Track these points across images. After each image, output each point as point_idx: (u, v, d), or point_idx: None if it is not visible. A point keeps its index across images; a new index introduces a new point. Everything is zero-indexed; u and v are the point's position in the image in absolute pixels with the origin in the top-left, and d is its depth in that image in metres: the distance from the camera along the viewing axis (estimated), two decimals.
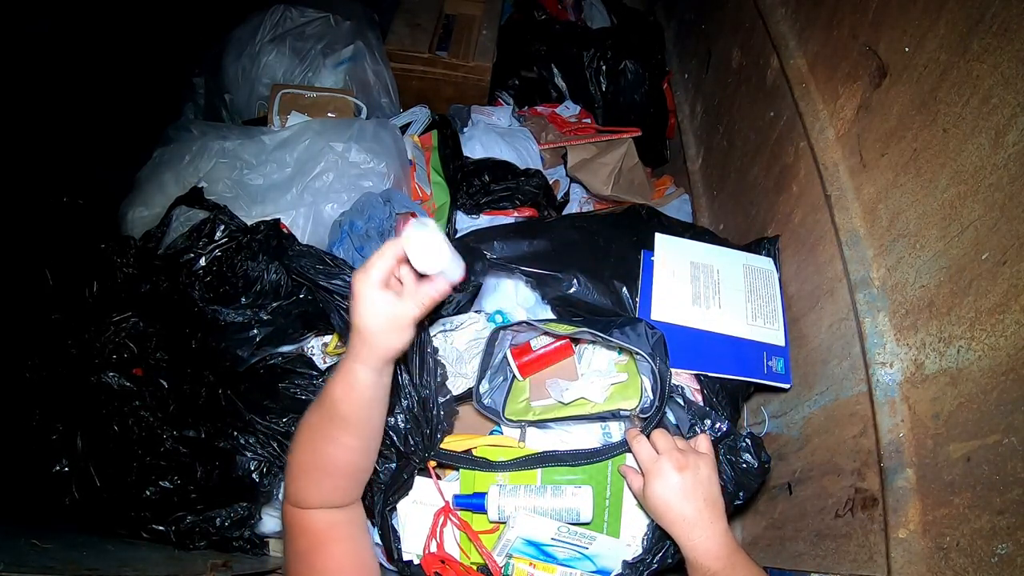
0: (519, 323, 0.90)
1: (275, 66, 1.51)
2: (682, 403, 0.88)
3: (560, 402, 0.88)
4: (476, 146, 1.57)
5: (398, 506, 0.86)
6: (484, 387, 0.90)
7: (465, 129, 1.65)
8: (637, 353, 0.83)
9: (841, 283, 0.87)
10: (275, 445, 0.99)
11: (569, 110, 1.85)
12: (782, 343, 0.99)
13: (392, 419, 0.81)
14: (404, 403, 0.81)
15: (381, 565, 0.86)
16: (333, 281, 0.90)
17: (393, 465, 0.85)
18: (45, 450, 1.01)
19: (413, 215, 1.21)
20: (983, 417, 0.61)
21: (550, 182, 1.56)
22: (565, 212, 1.58)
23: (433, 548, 0.83)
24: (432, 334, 0.90)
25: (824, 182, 0.92)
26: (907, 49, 0.78)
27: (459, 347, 0.96)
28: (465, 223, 1.40)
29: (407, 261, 0.60)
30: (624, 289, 0.98)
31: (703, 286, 1.01)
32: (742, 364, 0.95)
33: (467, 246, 0.96)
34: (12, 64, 1.26)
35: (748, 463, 0.83)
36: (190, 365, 1.05)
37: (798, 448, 0.96)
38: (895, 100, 0.80)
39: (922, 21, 0.75)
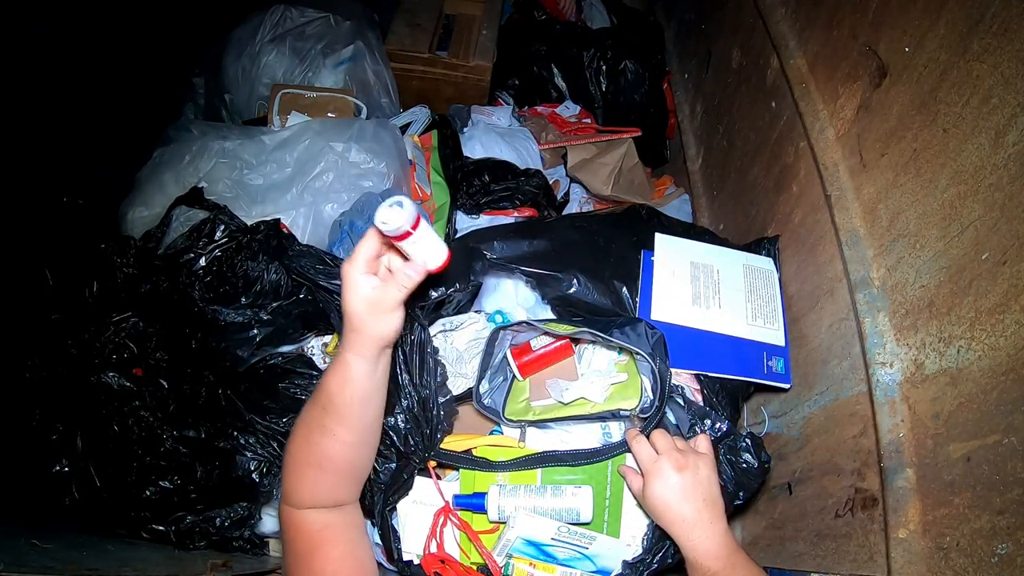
0: (519, 323, 0.90)
1: (275, 66, 1.51)
2: (682, 403, 0.88)
3: (560, 402, 0.88)
4: (476, 146, 1.57)
5: (398, 506, 0.86)
6: (484, 387, 0.90)
7: (465, 129, 1.65)
8: (637, 353, 0.83)
9: (841, 283, 0.87)
10: (275, 445, 0.99)
11: (569, 110, 1.85)
12: (782, 343, 0.99)
13: (392, 419, 0.81)
14: (404, 403, 0.81)
15: (381, 565, 0.86)
16: (333, 281, 0.90)
17: (393, 465, 0.85)
18: (45, 450, 1.01)
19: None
20: (983, 417, 0.61)
21: (550, 182, 1.56)
22: (565, 212, 1.58)
23: (433, 548, 0.83)
24: (432, 334, 0.90)
25: (824, 182, 0.92)
26: (907, 49, 0.78)
27: (459, 347, 0.96)
28: (465, 223, 1.40)
29: (392, 248, 0.61)
30: (624, 289, 0.98)
31: (703, 286, 1.01)
32: (742, 364, 0.95)
33: (467, 246, 0.96)
34: (12, 64, 1.26)
35: (748, 463, 0.83)
36: (190, 365, 1.05)
37: (798, 448, 0.96)
38: (895, 100, 0.80)
39: (922, 21, 0.75)
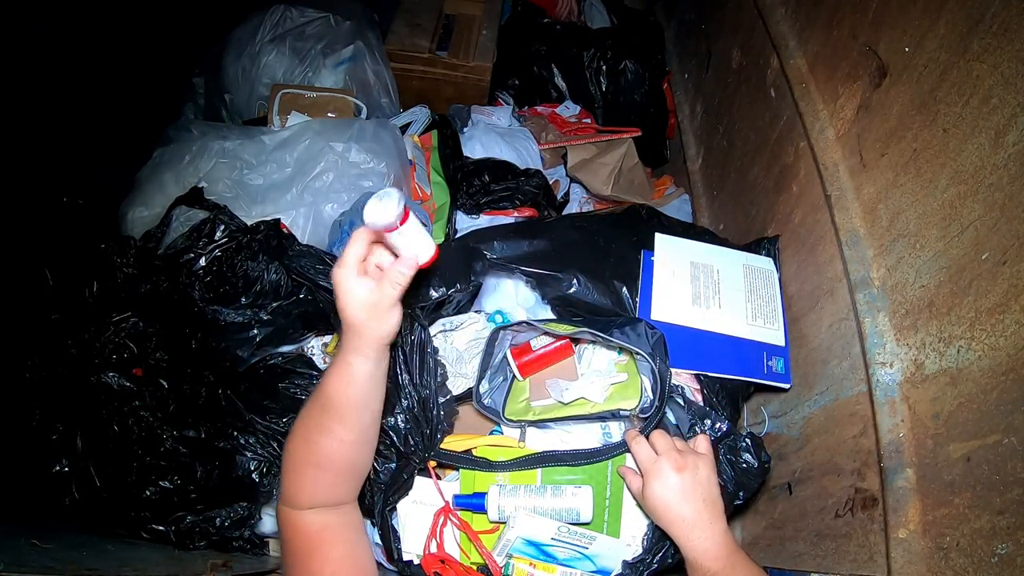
0: (519, 323, 0.90)
1: (275, 66, 1.51)
2: (682, 403, 0.88)
3: (560, 402, 0.88)
4: (476, 146, 1.57)
5: (398, 506, 0.86)
6: (484, 387, 0.90)
7: (465, 129, 1.65)
8: (637, 353, 0.83)
9: (841, 283, 0.87)
10: (275, 445, 0.99)
11: (569, 110, 1.85)
12: (782, 343, 0.99)
13: (392, 419, 0.81)
14: (404, 403, 0.81)
15: (381, 565, 0.86)
16: None
17: (393, 465, 0.85)
18: (45, 450, 1.01)
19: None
20: (983, 417, 0.61)
21: (550, 182, 1.56)
22: (565, 212, 1.58)
23: (433, 548, 0.83)
24: (432, 334, 0.90)
25: (824, 182, 0.92)
26: (907, 49, 0.78)
27: (459, 347, 0.96)
28: (465, 223, 1.40)
29: (381, 244, 0.61)
30: (624, 289, 0.98)
31: (703, 286, 1.01)
32: (742, 364, 0.95)
33: (467, 246, 0.96)
34: (12, 64, 1.26)
35: (748, 463, 0.83)
36: (190, 365, 1.05)
37: (798, 448, 0.96)
38: (895, 100, 0.80)
39: (922, 21, 0.75)
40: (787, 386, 0.97)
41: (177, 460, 1.00)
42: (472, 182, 1.41)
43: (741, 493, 0.82)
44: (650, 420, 0.81)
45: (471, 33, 1.83)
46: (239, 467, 0.98)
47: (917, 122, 0.75)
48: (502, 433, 0.91)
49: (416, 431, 0.82)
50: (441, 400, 0.83)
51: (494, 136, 1.60)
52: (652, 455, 0.74)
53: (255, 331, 1.01)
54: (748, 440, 0.84)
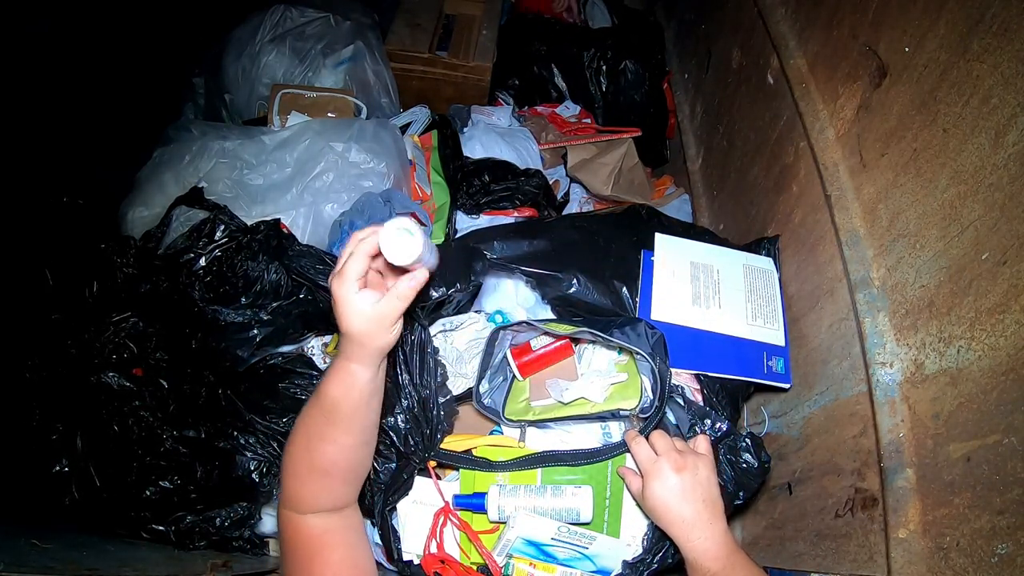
0: (519, 323, 0.90)
1: (275, 66, 1.51)
2: (682, 403, 0.88)
3: (560, 402, 0.88)
4: (476, 146, 1.57)
5: (398, 506, 0.86)
6: (484, 387, 0.90)
7: (465, 129, 1.65)
8: (637, 353, 0.83)
9: (841, 283, 0.87)
10: (275, 445, 0.99)
11: (569, 110, 1.85)
12: (782, 343, 0.99)
13: (392, 419, 0.81)
14: (404, 403, 0.81)
15: (381, 565, 0.86)
16: None
17: (393, 465, 0.85)
18: (45, 450, 1.01)
19: (413, 215, 1.21)
20: (983, 417, 0.61)
21: (550, 182, 1.56)
22: (565, 212, 1.58)
23: (433, 548, 0.83)
24: (432, 334, 0.90)
25: (824, 182, 0.92)
26: (907, 49, 0.78)
27: (459, 347, 0.96)
28: (465, 223, 1.40)
29: (380, 254, 0.59)
30: (624, 289, 0.98)
31: (703, 286, 1.01)
32: (742, 364, 0.95)
33: (467, 246, 0.96)
34: (12, 64, 1.26)
35: (748, 463, 0.83)
36: (190, 365, 1.05)
37: (798, 448, 0.96)
38: (895, 100, 0.80)
39: (922, 21, 0.75)
40: (787, 386, 0.97)
41: (177, 460, 1.00)
42: (472, 182, 1.41)
43: (741, 493, 0.82)
44: (650, 420, 0.81)
45: (471, 33, 1.83)
46: (239, 467, 0.98)
47: (917, 122, 0.75)
48: (502, 433, 0.91)
49: (416, 431, 0.82)
50: (441, 400, 0.83)
51: (494, 136, 1.60)
52: (652, 455, 0.74)
53: (255, 331, 1.01)
54: (748, 440, 0.84)
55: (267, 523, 1.03)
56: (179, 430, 1.00)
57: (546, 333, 0.92)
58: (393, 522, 0.84)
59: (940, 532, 0.64)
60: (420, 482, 0.87)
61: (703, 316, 0.98)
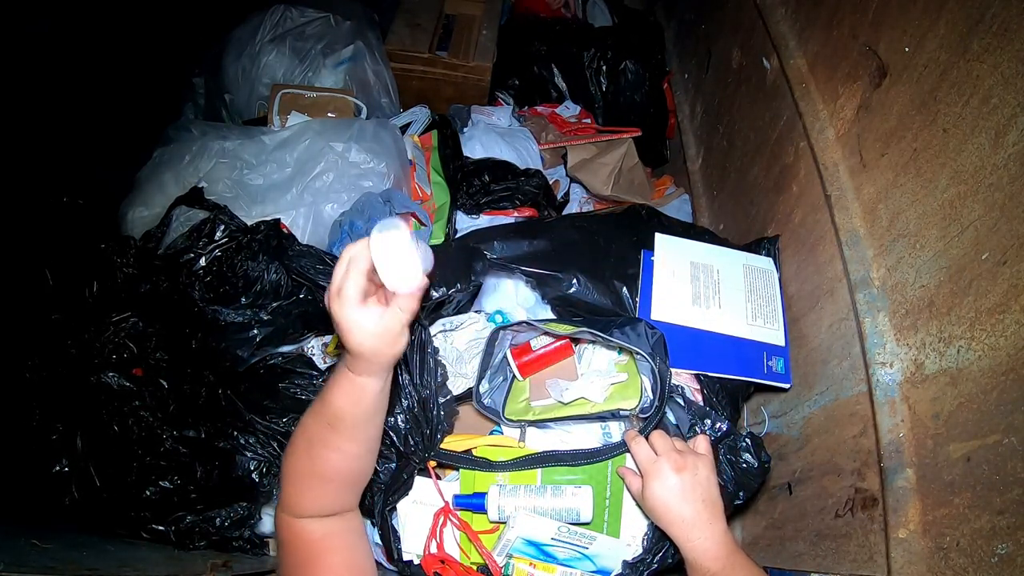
0: (519, 323, 0.90)
1: (275, 66, 1.51)
2: (682, 403, 0.88)
3: (560, 402, 0.88)
4: (476, 146, 1.57)
5: (398, 506, 0.86)
6: (484, 387, 0.90)
7: (465, 129, 1.65)
8: (637, 353, 0.83)
9: (841, 283, 0.87)
10: (275, 445, 0.99)
11: (569, 110, 1.85)
12: (782, 343, 0.99)
13: (392, 419, 0.81)
14: (404, 403, 0.81)
15: (381, 565, 0.86)
16: None
17: (393, 465, 0.85)
18: (45, 450, 1.01)
19: (414, 215, 1.21)
20: (983, 417, 0.61)
21: (550, 182, 1.56)
22: (565, 212, 1.58)
23: (433, 548, 0.83)
24: (432, 334, 0.90)
25: (824, 182, 0.92)
26: (907, 49, 0.78)
27: (459, 347, 0.96)
28: (465, 223, 1.40)
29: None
30: (624, 289, 0.98)
31: (703, 286, 1.01)
32: (742, 364, 0.95)
33: (467, 246, 0.96)
34: (12, 64, 1.26)
35: (748, 463, 0.83)
36: (190, 365, 1.05)
37: (798, 448, 0.96)
38: (895, 100, 0.80)
39: (922, 21, 0.75)
40: (787, 386, 0.97)
41: (177, 460, 1.00)
42: (472, 182, 1.41)
43: (741, 493, 0.82)
44: (650, 420, 0.81)
45: (471, 33, 1.83)
46: (239, 467, 0.98)
47: (917, 122, 0.75)
48: (502, 433, 0.91)
49: (416, 431, 0.82)
50: (441, 400, 0.83)
51: (494, 136, 1.60)
52: (651, 455, 0.74)
53: (255, 331, 1.01)
54: (748, 440, 0.84)
55: (267, 523, 1.04)
56: (179, 430, 1.00)
57: (546, 333, 0.92)
58: (393, 522, 0.84)
59: (940, 532, 0.64)
60: (420, 482, 0.87)
61: (703, 316, 0.98)
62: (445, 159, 1.46)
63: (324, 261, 0.97)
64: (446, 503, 0.86)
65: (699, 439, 0.78)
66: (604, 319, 0.91)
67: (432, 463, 0.87)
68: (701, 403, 0.92)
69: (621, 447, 0.82)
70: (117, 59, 1.48)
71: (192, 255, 1.02)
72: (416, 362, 0.82)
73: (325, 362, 1.07)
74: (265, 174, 1.21)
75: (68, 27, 1.37)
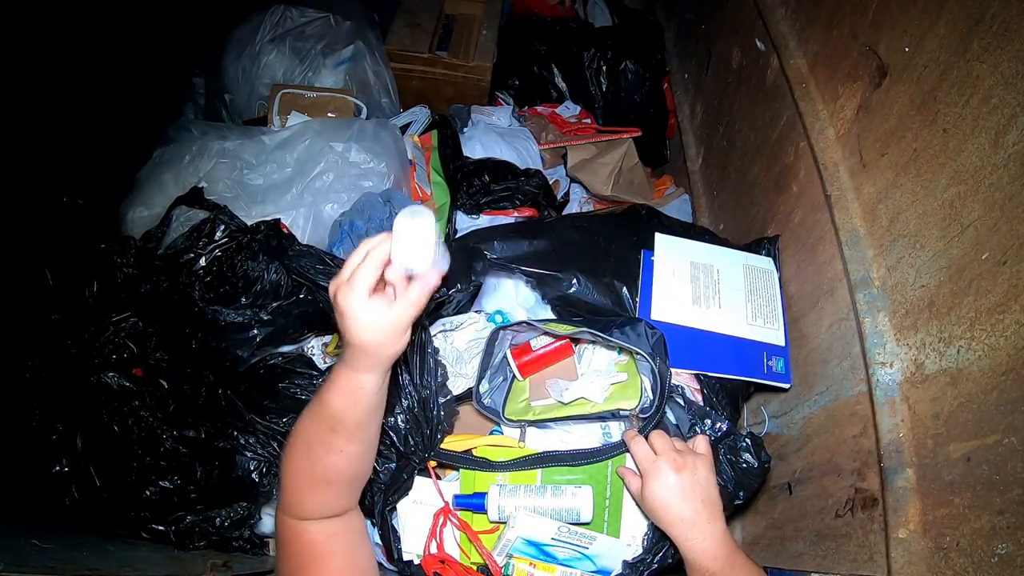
0: (519, 323, 0.90)
1: (275, 66, 1.51)
2: (682, 403, 0.88)
3: (560, 402, 0.88)
4: (476, 146, 1.57)
5: (398, 506, 0.86)
6: (484, 387, 0.90)
7: (465, 129, 1.65)
8: (637, 353, 0.83)
9: (841, 283, 0.87)
10: (275, 445, 0.99)
11: (569, 110, 1.85)
12: (782, 343, 0.99)
13: (392, 419, 0.81)
14: (404, 403, 0.81)
15: (381, 565, 0.86)
16: None
17: (393, 465, 0.85)
18: (45, 450, 1.01)
19: None
20: (983, 417, 0.61)
21: (550, 182, 1.56)
22: (565, 212, 1.58)
23: (433, 548, 0.83)
24: (432, 334, 0.90)
25: (824, 182, 0.92)
26: (907, 49, 0.78)
27: (459, 347, 0.96)
28: (465, 223, 1.40)
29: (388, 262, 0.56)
30: (624, 289, 0.98)
31: (703, 286, 1.01)
32: (742, 364, 0.95)
33: (467, 246, 0.96)
34: (12, 64, 1.26)
35: (748, 463, 0.83)
36: (190, 365, 1.05)
37: (798, 448, 0.96)
38: (895, 100, 0.80)
39: (922, 21, 0.75)
40: (787, 386, 0.97)
41: (177, 460, 1.00)
42: (472, 182, 1.41)
43: (741, 493, 0.82)
44: (650, 420, 0.81)
45: (471, 33, 1.83)
46: (239, 467, 0.98)
47: (917, 122, 0.75)
48: (502, 433, 0.91)
49: (416, 431, 0.82)
50: (441, 400, 0.83)
51: (494, 136, 1.60)
52: (651, 455, 0.74)
53: (255, 331, 1.01)
54: (748, 440, 0.84)
55: (267, 523, 1.04)
56: (179, 430, 1.00)
57: (546, 333, 0.92)
58: (393, 522, 0.84)
59: (940, 532, 0.64)
60: (420, 482, 0.87)
61: (703, 316, 0.98)
62: (445, 159, 1.46)
63: (324, 261, 0.97)
64: (446, 503, 0.86)
65: (698, 439, 0.78)
66: (604, 319, 0.91)
67: (432, 463, 0.87)
68: (701, 403, 0.92)
69: (621, 447, 0.82)
70: (117, 59, 1.48)
71: (192, 255, 1.02)
72: (416, 362, 0.82)
73: (325, 362, 1.07)
74: (265, 174, 1.21)
75: (68, 27, 1.37)
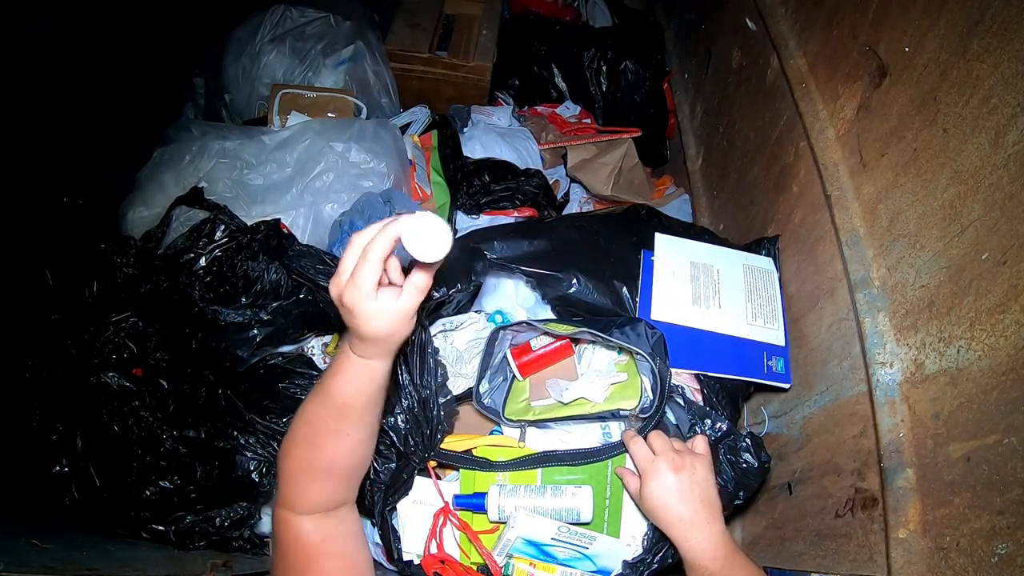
0: (519, 323, 0.90)
1: (275, 66, 1.51)
2: (682, 403, 0.88)
3: (560, 402, 0.88)
4: (476, 146, 1.57)
5: (398, 506, 0.86)
6: (484, 387, 0.90)
7: (465, 129, 1.65)
8: (637, 353, 0.83)
9: (841, 283, 0.87)
10: (275, 445, 0.99)
11: (569, 110, 1.85)
12: (782, 343, 0.99)
13: (392, 419, 0.81)
14: (404, 403, 0.81)
15: (381, 565, 0.86)
16: None
17: (393, 465, 0.85)
18: (45, 450, 1.01)
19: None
20: (983, 417, 0.61)
21: (550, 182, 1.56)
22: (565, 212, 1.58)
23: (433, 548, 0.83)
24: (432, 334, 0.90)
25: (824, 182, 0.92)
26: (907, 49, 0.78)
27: (459, 347, 0.96)
28: (465, 223, 1.40)
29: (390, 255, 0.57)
30: (624, 289, 0.98)
31: (703, 286, 1.01)
32: (742, 364, 0.95)
33: (467, 246, 0.96)
34: (12, 64, 1.26)
35: (748, 463, 0.83)
36: (190, 365, 1.05)
37: (798, 448, 0.96)
38: (895, 100, 0.80)
39: (922, 21, 0.75)
40: (787, 386, 0.97)
41: (177, 460, 1.00)
42: (472, 182, 1.41)
43: (741, 493, 0.82)
44: (650, 420, 0.81)
45: (471, 33, 1.83)
46: (239, 467, 0.98)
47: (917, 122, 0.75)
48: (502, 433, 0.91)
49: (416, 431, 0.82)
50: (441, 400, 0.83)
51: (494, 136, 1.60)
52: (649, 455, 0.74)
53: (255, 331, 1.01)
54: (748, 440, 0.84)
55: (267, 523, 1.04)
56: (179, 430, 1.00)
57: (546, 333, 0.92)
58: (393, 522, 0.84)
59: (940, 532, 0.64)
60: (420, 482, 0.87)
61: (703, 316, 0.98)
62: (445, 159, 1.46)
63: (324, 261, 0.97)
64: (446, 503, 0.86)
65: (697, 439, 0.78)
66: (604, 319, 0.91)
67: (432, 463, 0.87)
68: (701, 403, 0.92)
69: (621, 447, 0.82)
70: (117, 59, 1.48)
71: (192, 255, 1.02)
72: (416, 362, 0.82)
73: (325, 362, 1.07)
74: (265, 174, 1.21)
75: (68, 27, 1.38)
